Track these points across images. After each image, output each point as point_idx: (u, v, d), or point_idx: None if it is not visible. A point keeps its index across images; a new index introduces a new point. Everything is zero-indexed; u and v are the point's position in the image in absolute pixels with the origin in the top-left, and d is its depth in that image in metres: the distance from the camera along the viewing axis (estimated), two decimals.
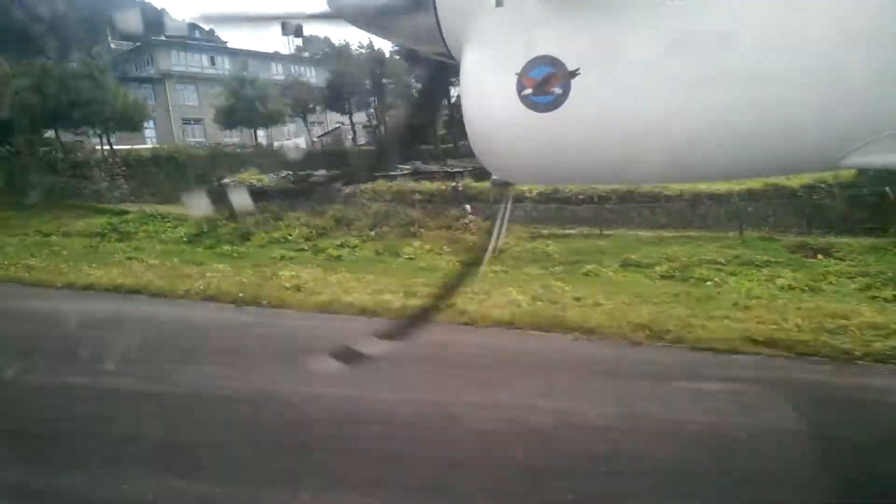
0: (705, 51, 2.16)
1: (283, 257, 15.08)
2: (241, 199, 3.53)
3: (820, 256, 13.41)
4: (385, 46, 36.11)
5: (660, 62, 2.21)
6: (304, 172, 21.82)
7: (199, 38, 41.70)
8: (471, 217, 17.24)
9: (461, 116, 2.53)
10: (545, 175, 2.99)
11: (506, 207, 3.83)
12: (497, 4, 2.38)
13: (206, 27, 36.14)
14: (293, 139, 39.33)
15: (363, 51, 36.99)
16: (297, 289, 11.47)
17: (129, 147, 27.38)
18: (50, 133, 26.09)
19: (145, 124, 31.46)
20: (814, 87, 2.09)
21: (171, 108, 39.63)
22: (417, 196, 18.57)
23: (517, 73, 2.34)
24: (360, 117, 41.27)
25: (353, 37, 42.51)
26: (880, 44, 2.02)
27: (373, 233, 17.05)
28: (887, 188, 14.58)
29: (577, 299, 10.37)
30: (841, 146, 2.19)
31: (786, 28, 2.09)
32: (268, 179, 20.15)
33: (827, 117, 2.14)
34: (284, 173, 21.36)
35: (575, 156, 2.46)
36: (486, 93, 2.46)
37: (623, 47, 2.26)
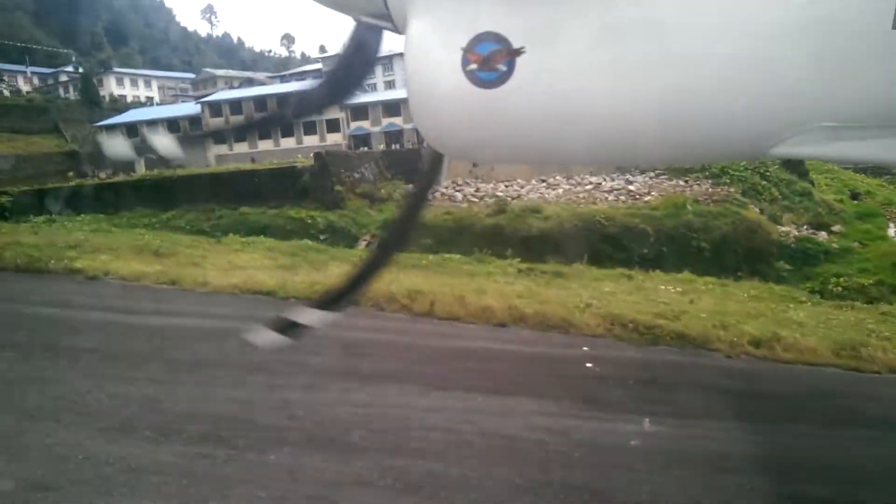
0: (644, 36, 2.18)
1: None
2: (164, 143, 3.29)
3: None
4: None
5: (601, 46, 2.22)
6: None
7: None
8: None
9: None
10: (484, 151, 2.99)
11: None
12: None
13: None
14: None
15: None
16: None
17: None
18: None
19: None
20: (746, 76, 2.13)
21: None
22: None
23: (462, 48, 2.32)
24: None
25: None
26: (813, 35, 2.05)
27: None
28: None
29: None
30: (770, 136, 2.25)
31: (722, 17, 2.12)
32: None
33: (758, 106, 2.19)
34: None
35: (516, 133, 2.46)
36: (431, 66, 2.43)
37: (567, 29, 2.26)
